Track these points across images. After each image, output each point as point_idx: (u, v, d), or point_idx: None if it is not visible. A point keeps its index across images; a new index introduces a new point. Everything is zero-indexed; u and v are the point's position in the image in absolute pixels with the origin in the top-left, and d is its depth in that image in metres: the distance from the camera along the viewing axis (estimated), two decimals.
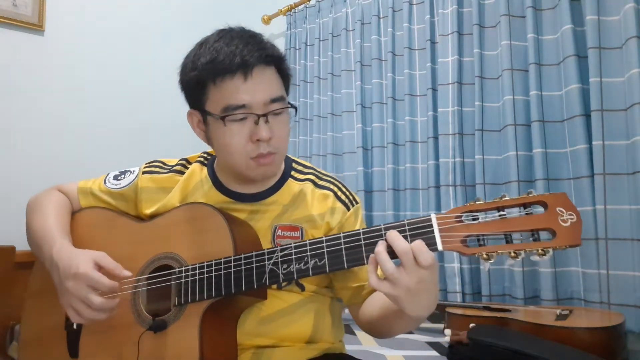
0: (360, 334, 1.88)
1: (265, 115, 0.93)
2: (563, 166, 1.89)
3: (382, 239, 0.79)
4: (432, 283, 0.78)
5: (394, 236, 0.78)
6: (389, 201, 2.42)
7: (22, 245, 2.08)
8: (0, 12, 2.27)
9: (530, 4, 1.97)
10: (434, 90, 2.32)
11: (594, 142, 1.73)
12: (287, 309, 0.99)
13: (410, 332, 1.87)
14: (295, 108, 1.00)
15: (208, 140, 1.02)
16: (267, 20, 3.15)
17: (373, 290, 1.00)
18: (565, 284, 1.84)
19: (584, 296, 1.78)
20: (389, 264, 0.76)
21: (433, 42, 2.37)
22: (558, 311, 1.63)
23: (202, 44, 0.98)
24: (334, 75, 2.83)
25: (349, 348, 1.13)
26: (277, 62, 0.97)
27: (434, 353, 1.63)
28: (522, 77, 2.01)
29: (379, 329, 1.01)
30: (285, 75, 1.00)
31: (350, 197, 1.07)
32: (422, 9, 2.43)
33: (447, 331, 1.55)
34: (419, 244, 0.76)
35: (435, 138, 2.28)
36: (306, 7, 3.06)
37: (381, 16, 2.63)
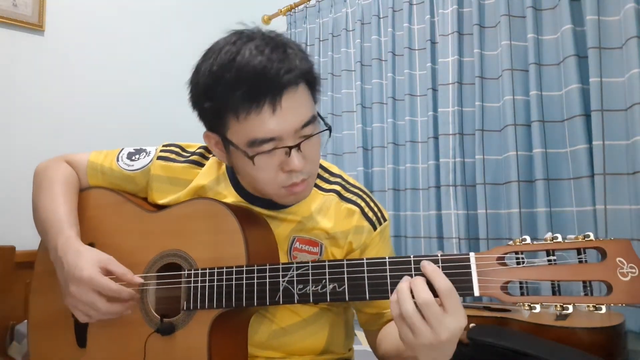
0: (361, 334, 1.88)
1: (297, 145, 0.82)
2: (563, 166, 1.89)
3: (409, 275, 0.72)
4: (457, 338, 0.69)
5: (435, 272, 0.69)
6: (389, 201, 2.42)
7: (22, 245, 2.09)
8: (0, 12, 2.27)
9: (530, 4, 1.97)
10: (434, 90, 2.32)
11: (594, 142, 1.73)
12: (300, 323, 0.95)
13: None
14: (330, 129, 0.88)
15: (230, 163, 0.92)
16: (267, 20, 3.15)
17: (391, 319, 0.94)
18: None
19: None
20: (409, 305, 0.68)
21: (433, 42, 2.37)
22: (558, 311, 1.63)
23: (216, 59, 0.81)
24: (334, 75, 2.82)
25: None
26: (307, 75, 0.84)
27: None
28: (522, 77, 2.01)
29: None
30: (314, 86, 0.87)
31: (379, 214, 0.98)
32: (422, 9, 2.43)
33: None
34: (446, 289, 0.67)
35: (436, 138, 2.28)
36: (306, 7, 3.05)
37: (381, 16, 2.63)
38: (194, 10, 2.95)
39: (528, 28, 1.97)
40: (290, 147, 0.81)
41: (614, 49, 1.73)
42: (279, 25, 3.17)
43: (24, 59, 2.36)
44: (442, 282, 0.68)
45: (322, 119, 0.88)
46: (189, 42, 3.03)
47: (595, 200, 1.72)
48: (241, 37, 0.83)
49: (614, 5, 1.73)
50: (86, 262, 0.87)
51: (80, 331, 1.00)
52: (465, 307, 1.85)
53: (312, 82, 0.86)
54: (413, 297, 0.68)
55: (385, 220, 0.99)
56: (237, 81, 0.78)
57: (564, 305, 0.67)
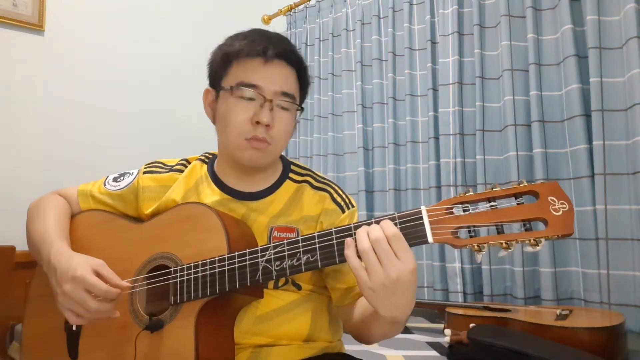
0: None
1: (272, 101, 0.97)
2: (563, 166, 1.89)
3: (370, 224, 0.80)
4: (410, 284, 0.77)
5: (386, 222, 0.79)
6: (390, 201, 2.42)
7: (22, 245, 2.08)
8: (0, 12, 2.27)
9: (530, 4, 1.97)
10: (435, 90, 2.32)
11: (594, 142, 1.73)
12: (283, 308, 1.00)
13: (410, 332, 1.87)
14: (302, 109, 1.04)
15: (214, 119, 1.06)
16: (267, 20, 3.15)
17: (360, 292, 0.99)
18: (566, 283, 1.84)
19: (584, 296, 1.78)
20: (365, 242, 0.76)
21: (433, 43, 2.37)
22: (558, 311, 1.63)
23: (238, 33, 1.04)
24: (335, 76, 2.82)
25: (349, 348, 1.13)
26: (297, 65, 1.02)
27: (434, 353, 1.63)
28: (523, 77, 2.01)
29: (360, 333, 1.01)
30: (303, 83, 1.05)
31: (347, 200, 1.08)
32: (422, 9, 2.43)
33: (447, 331, 1.55)
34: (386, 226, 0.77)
35: (436, 138, 2.28)
36: (306, 7, 3.06)
37: (381, 16, 2.63)
38: (194, 10, 2.95)
39: (528, 28, 1.97)
40: (266, 99, 0.97)
41: (614, 49, 1.73)
42: (279, 25, 3.18)
43: (24, 59, 2.36)
44: (390, 228, 0.77)
45: (299, 105, 1.03)
46: (189, 42, 3.05)
47: (595, 200, 1.72)
48: (257, 28, 1.05)
49: (614, 5, 1.73)
50: (79, 263, 0.92)
51: (72, 343, 1.03)
52: (466, 307, 1.85)
53: (301, 77, 1.03)
54: None
55: (353, 206, 1.09)
56: (249, 36, 1.01)
57: (509, 242, 0.73)
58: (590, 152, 1.77)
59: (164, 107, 2.74)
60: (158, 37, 2.79)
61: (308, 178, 1.10)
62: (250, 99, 0.97)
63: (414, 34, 2.46)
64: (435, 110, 2.31)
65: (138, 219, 1.11)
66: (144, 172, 1.14)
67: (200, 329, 0.89)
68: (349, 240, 0.80)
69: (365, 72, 2.66)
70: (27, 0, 2.35)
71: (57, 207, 1.13)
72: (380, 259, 0.76)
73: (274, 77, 0.98)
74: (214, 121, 1.07)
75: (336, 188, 1.09)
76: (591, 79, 1.75)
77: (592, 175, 1.75)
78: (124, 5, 2.70)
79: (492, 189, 0.77)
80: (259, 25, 3.09)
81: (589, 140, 1.77)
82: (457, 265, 2.11)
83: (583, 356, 1.30)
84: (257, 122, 0.96)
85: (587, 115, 1.79)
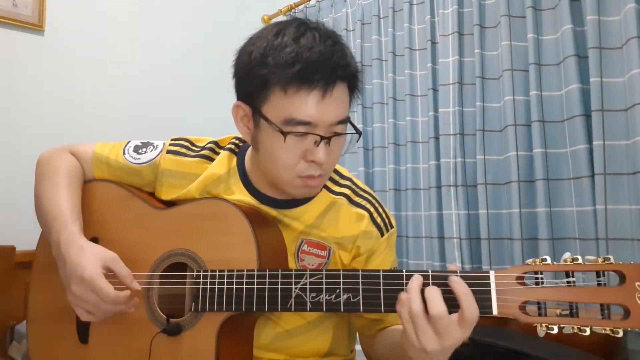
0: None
1: (328, 138, 0.83)
2: (563, 166, 1.89)
3: (423, 278, 0.71)
4: (459, 342, 0.71)
5: (468, 298, 0.69)
6: (390, 201, 2.42)
7: (22, 245, 2.09)
8: (0, 12, 2.27)
9: (530, 4, 1.97)
10: (435, 90, 2.32)
11: (594, 142, 1.73)
12: (305, 326, 0.95)
13: None
14: (360, 134, 0.90)
15: (253, 141, 0.90)
16: (267, 20, 3.14)
17: (387, 326, 0.94)
18: None
19: None
20: (417, 305, 0.69)
21: (434, 43, 2.37)
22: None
23: (277, 35, 0.83)
24: None
25: None
26: (352, 78, 0.87)
27: None
28: (522, 77, 2.00)
29: None
30: (354, 92, 0.90)
31: (387, 220, 0.99)
32: (422, 9, 2.43)
33: None
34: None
35: (436, 138, 2.28)
36: (306, 7, 3.05)
37: (381, 16, 2.63)
38: (193, 10, 2.94)
39: (528, 28, 1.97)
40: (322, 138, 0.82)
41: (614, 49, 1.73)
42: None
43: (24, 59, 2.36)
44: (471, 311, 0.68)
45: (353, 125, 0.89)
46: (189, 42, 3.05)
47: (595, 200, 1.72)
48: (304, 25, 0.85)
49: (614, 5, 1.73)
50: (89, 261, 0.84)
51: (82, 327, 0.98)
52: None
53: (354, 86, 0.88)
54: (424, 300, 0.69)
55: (392, 227, 0.99)
56: (298, 58, 0.79)
57: (582, 328, 0.67)
58: (590, 152, 1.76)
59: (165, 107, 2.73)
60: (158, 37, 2.78)
61: (346, 190, 0.98)
62: (303, 134, 0.82)
63: (414, 34, 2.46)
64: (435, 110, 2.30)
65: (157, 204, 1.03)
66: (168, 151, 1.03)
67: (221, 341, 0.86)
68: (403, 297, 0.71)
69: (365, 72, 2.66)
70: (27, 0, 2.35)
71: (70, 173, 1.03)
72: (439, 332, 0.70)
73: (331, 109, 0.82)
74: (251, 143, 0.92)
75: (377, 205, 0.99)
76: (591, 79, 1.74)
77: (592, 175, 1.75)
78: (124, 5, 2.69)
79: (572, 261, 0.69)
80: (259, 25, 3.09)
81: (589, 140, 1.77)
82: (458, 265, 2.10)
83: (583, 356, 1.30)
84: (312, 161, 0.84)
85: (587, 115, 1.79)
